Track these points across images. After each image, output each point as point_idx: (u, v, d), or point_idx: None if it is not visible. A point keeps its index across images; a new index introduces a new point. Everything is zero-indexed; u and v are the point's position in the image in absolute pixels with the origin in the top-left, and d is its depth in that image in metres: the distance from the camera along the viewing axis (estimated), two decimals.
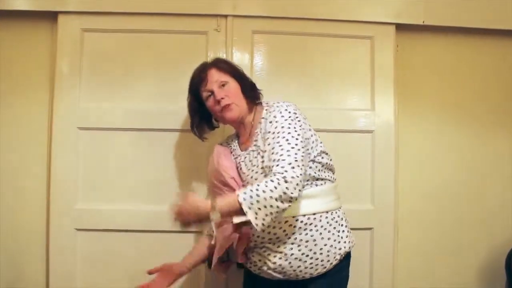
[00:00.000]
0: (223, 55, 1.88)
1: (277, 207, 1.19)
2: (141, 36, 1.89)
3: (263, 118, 1.43)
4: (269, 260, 1.36)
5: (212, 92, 1.44)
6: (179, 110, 1.86)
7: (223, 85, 1.44)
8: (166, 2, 1.86)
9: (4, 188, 1.85)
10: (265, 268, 1.38)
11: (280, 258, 1.35)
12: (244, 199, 1.19)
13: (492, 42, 2.04)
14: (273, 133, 1.33)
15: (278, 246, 1.35)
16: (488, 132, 2.04)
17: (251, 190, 1.20)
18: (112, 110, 1.86)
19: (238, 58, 1.88)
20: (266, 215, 1.20)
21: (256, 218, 1.19)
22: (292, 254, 1.34)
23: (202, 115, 1.56)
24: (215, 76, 1.45)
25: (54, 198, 1.82)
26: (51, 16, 1.85)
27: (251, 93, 1.51)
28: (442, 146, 2.02)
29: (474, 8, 1.96)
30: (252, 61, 1.90)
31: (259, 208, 1.18)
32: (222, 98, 1.42)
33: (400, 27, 1.97)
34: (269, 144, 1.32)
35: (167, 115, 1.87)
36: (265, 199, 1.18)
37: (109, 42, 1.88)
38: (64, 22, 1.84)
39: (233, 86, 1.46)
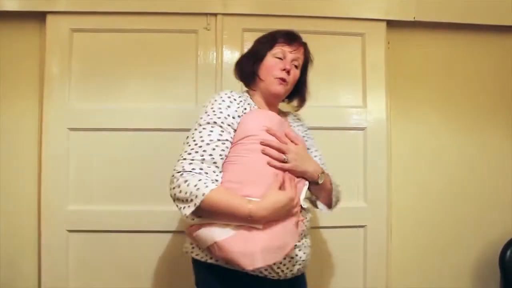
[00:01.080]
0: (213, 54, 1.87)
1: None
2: (130, 36, 1.88)
3: (292, 119, 1.48)
4: (298, 255, 1.23)
5: (283, 59, 1.33)
6: (169, 109, 1.86)
7: (295, 65, 1.36)
8: (155, 2, 1.85)
9: None
10: (296, 266, 1.23)
11: (305, 253, 1.26)
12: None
13: (485, 38, 2.03)
14: (316, 149, 1.47)
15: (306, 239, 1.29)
16: (481, 128, 2.03)
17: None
18: (102, 110, 1.85)
19: (228, 57, 1.87)
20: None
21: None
22: (309, 245, 1.29)
23: (254, 60, 1.38)
24: (298, 54, 1.37)
25: (45, 200, 1.81)
26: (40, 17, 1.84)
27: (298, 91, 1.46)
28: (435, 143, 2.02)
29: (466, 3, 1.96)
30: None
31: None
32: (288, 72, 1.33)
33: (391, 24, 1.96)
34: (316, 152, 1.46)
35: (158, 115, 1.86)
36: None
37: (98, 42, 1.87)
38: (53, 22, 1.83)
39: (297, 73, 1.38)
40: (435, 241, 1.99)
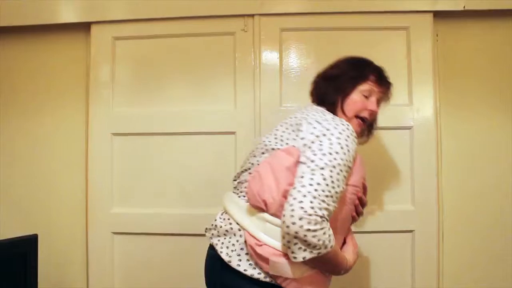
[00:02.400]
0: (251, 55, 1.85)
1: None
2: (170, 41, 1.91)
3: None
4: None
5: (368, 97, 1.31)
6: (209, 112, 1.87)
7: (378, 104, 1.35)
8: (192, 6, 1.86)
9: (46, 193, 1.95)
10: None
11: None
12: None
13: None
14: None
15: None
16: None
17: None
18: (144, 115, 1.89)
19: (267, 57, 1.85)
20: None
21: None
22: None
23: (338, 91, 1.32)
24: (383, 95, 1.36)
25: (91, 203, 1.89)
26: (85, 27, 1.92)
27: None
28: (490, 140, 1.86)
29: None
30: (281, 59, 1.85)
31: None
32: (372, 114, 1.32)
33: (439, 15, 1.84)
34: None
35: (198, 118, 1.87)
36: None
37: (139, 49, 1.92)
38: (97, 32, 1.91)
39: (377, 112, 1.36)
40: (491, 247, 1.84)
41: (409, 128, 1.81)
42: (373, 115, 1.32)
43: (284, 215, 1.05)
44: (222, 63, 1.88)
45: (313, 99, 1.38)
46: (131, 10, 1.88)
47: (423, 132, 1.81)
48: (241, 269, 1.17)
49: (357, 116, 1.28)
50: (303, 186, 1.05)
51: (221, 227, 1.25)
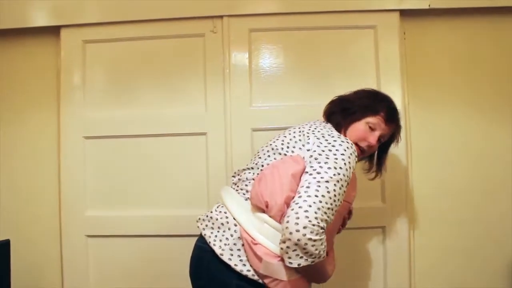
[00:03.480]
0: (221, 56, 1.86)
1: None
2: (140, 44, 1.91)
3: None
4: None
5: (373, 131, 1.33)
6: (182, 113, 1.88)
7: (379, 140, 1.36)
8: (162, 8, 1.87)
9: (19, 197, 1.95)
10: None
11: None
12: None
13: (507, 21, 1.89)
14: None
15: None
16: (509, 118, 1.88)
17: None
18: (116, 118, 1.90)
19: (236, 58, 1.86)
20: None
21: None
22: None
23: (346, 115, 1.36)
24: (388, 132, 1.37)
25: (64, 206, 1.89)
26: (55, 31, 1.92)
27: (377, 163, 1.47)
28: (459, 136, 1.89)
29: None
30: (250, 60, 1.87)
31: None
32: (370, 147, 1.34)
33: (405, 14, 1.87)
34: None
35: (169, 120, 1.88)
36: None
37: (110, 52, 1.92)
38: (66, 35, 1.91)
39: (376, 147, 1.38)
40: (461, 241, 1.87)
41: None
42: (371, 148, 1.35)
43: (288, 221, 1.08)
44: (192, 65, 1.89)
45: (323, 114, 1.42)
46: (100, 13, 1.88)
47: None
48: (231, 263, 1.21)
49: (356, 144, 1.31)
50: (309, 196, 1.10)
51: (216, 219, 1.28)
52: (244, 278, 1.20)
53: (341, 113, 1.35)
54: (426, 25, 1.91)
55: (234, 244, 1.22)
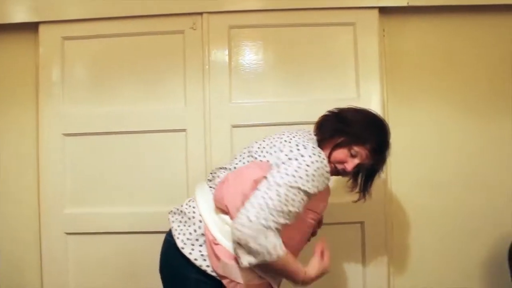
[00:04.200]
0: (200, 53, 1.86)
1: None
2: (119, 40, 1.90)
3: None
4: None
5: (354, 157, 1.30)
6: (160, 110, 1.87)
7: (357, 167, 1.32)
8: (141, 5, 1.86)
9: None
10: None
11: None
12: None
13: (486, 19, 1.91)
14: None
15: None
16: (487, 115, 1.91)
17: None
18: (96, 115, 1.89)
19: (216, 55, 1.86)
20: None
21: None
22: None
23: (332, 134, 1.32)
24: (370, 162, 1.32)
25: (43, 204, 1.87)
26: (33, 27, 1.90)
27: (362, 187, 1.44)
28: (438, 132, 1.91)
29: None
30: (230, 57, 1.87)
31: None
32: (345, 171, 1.31)
33: (384, 11, 1.88)
34: None
35: (149, 117, 1.87)
36: None
37: (89, 49, 1.91)
38: (45, 32, 1.89)
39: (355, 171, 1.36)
40: (440, 236, 1.89)
41: None
42: (345, 174, 1.34)
43: (233, 222, 1.11)
44: (172, 62, 1.88)
45: (315, 124, 1.39)
46: (79, 10, 1.87)
47: None
48: (191, 257, 1.22)
49: (334, 164, 1.30)
50: (255, 197, 1.12)
51: (185, 213, 1.30)
52: (203, 273, 1.21)
53: (331, 132, 1.32)
54: (405, 22, 1.93)
55: (197, 239, 1.24)
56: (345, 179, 1.47)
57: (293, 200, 1.13)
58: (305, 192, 1.14)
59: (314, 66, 1.87)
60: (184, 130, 1.85)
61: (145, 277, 1.85)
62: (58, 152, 1.88)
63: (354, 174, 1.41)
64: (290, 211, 1.12)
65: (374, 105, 1.84)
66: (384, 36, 1.92)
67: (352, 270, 1.86)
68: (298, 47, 1.88)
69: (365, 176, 1.41)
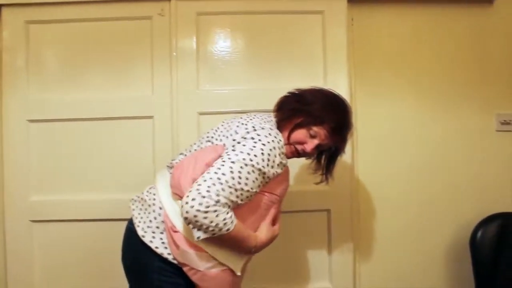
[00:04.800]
0: (168, 40, 1.84)
1: None
2: (86, 25, 1.87)
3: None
4: None
5: (314, 137, 1.29)
6: (128, 97, 1.86)
7: (318, 147, 1.31)
8: None
9: None
10: None
11: None
12: None
13: (453, 9, 1.93)
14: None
15: None
16: (453, 105, 1.94)
17: None
18: (62, 101, 1.85)
19: (184, 42, 1.85)
20: None
21: None
22: None
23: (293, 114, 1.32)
24: (331, 143, 1.32)
25: (7, 191, 1.84)
26: None
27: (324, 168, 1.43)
28: (405, 122, 1.94)
29: None
30: (198, 43, 1.85)
31: None
32: (305, 151, 1.30)
33: (353, 0, 1.89)
34: None
35: (115, 104, 1.85)
36: None
37: (54, 33, 1.87)
38: (8, 15, 1.84)
39: (316, 153, 1.37)
40: (405, 223, 1.92)
41: None
42: (305, 154, 1.33)
43: (184, 197, 1.09)
44: (139, 48, 1.86)
45: (274, 106, 1.38)
46: None
47: None
48: (152, 245, 1.22)
49: (293, 145, 1.30)
50: (208, 173, 1.11)
51: (145, 201, 1.29)
52: (165, 260, 1.21)
53: (290, 112, 1.31)
54: (373, 11, 1.94)
55: (157, 227, 1.23)
56: (311, 166, 1.47)
57: (247, 178, 1.12)
58: (259, 171, 1.14)
59: (283, 54, 1.87)
60: (151, 117, 1.84)
61: (111, 265, 1.83)
62: (22, 139, 1.84)
63: (317, 156, 1.42)
64: (242, 189, 1.12)
65: (341, 94, 1.84)
66: (352, 25, 1.92)
67: (318, 258, 1.88)
68: (267, 34, 1.88)
69: (328, 157, 1.41)
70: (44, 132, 1.86)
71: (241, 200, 1.13)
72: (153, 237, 1.22)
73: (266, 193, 1.24)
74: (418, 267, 1.92)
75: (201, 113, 1.83)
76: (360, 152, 1.92)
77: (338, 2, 1.87)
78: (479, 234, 1.77)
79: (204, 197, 1.06)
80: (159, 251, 1.21)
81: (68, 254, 1.86)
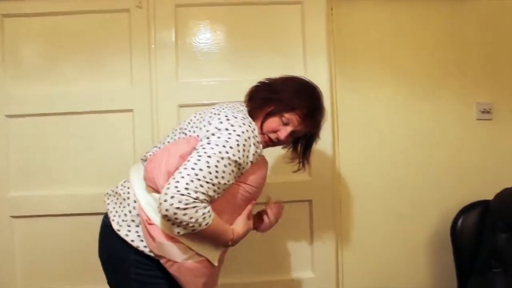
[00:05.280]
0: (146, 32, 1.83)
1: None
2: (63, 19, 1.85)
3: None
4: None
5: (286, 125, 1.28)
6: (105, 91, 1.84)
7: (292, 133, 1.30)
8: None
9: None
10: None
11: None
12: None
13: (431, 0, 1.93)
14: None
15: None
16: (433, 94, 1.95)
17: None
18: (40, 95, 1.84)
19: (162, 34, 1.84)
20: None
21: None
22: None
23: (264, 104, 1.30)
24: (304, 129, 1.31)
25: None
26: None
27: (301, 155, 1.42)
28: (385, 111, 1.95)
29: None
30: (176, 35, 1.85)
31: None
32: (279, 140, 1.29)
33: None
34: None
35: (94, 97, 1.84)
36: None
37: (31, 27, 1.85)
38: None
39: (291, 139, 1.35)
40: (387, 213, 1.94)
41: None
42: (280, 142, 1.32)
43: (162, 194, 1.08)
44: (118, 41, 1.85)
45: (245, 96, 1.37)
46: None
47: None
48: (128, 239, 1.21)
49: (267, 136, 1.29)
50: (185, 168, 1.10)
51: (120, 194, 1.29)
52: (141, 253, 1.20)
53: (260, 101, 1.30)
54: (353, 1, 1.94)
55: (133, 220, 1.22)
56: (287, 155, 1.47)
57: (223, 171, 1.12)
58: (235, 162, 1.14)
59: (262, 45, 1.87)
60: (131, 110, 1.83)
61: (93, 259, 1.81)
62: (1, 134, 1.83)
63: (294, 144, 1.41)
64: (220, 183, 1.11)
65: (321, 84, 1.78)
66: (332, 15, 1.92)
67: (301, 248, 1.88)
68: (246, 26, 1.87)
69: (303, 144, 1.40)
70: (22, 127, 1.84)
71: (218, 193, 1.14)
72: (129, 231, 1.21)
73: (242, 184, 1.23)
74: (400, 255, 1.94)
75: (181, 106, 1.82)
76: (341, 142, 1.93)
77: None
78: (459, 221, 1.78)
79: (183, 194, 1.06)
80: (135, 244, 1.20)
81: (49, 249, 1.85)
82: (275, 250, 1.88)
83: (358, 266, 1.92)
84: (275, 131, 1.28)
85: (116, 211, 1.26)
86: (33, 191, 1.84)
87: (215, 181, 1.11)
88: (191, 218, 1.07)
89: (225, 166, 1.12)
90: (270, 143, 1.31)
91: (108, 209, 1.30)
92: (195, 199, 1.07)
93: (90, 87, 1.85)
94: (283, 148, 1.43)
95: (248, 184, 1.25)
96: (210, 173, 1.10)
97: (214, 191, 1.11)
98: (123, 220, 1.23)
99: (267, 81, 1.36)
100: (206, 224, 1.10)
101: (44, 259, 1.85)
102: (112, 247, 1.26)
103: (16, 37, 1.85)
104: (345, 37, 1.94)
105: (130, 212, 1.23)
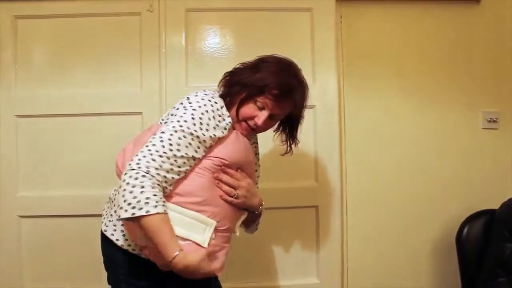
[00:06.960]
0: (157, 36, 1.85)
1: None
2: (74, 21, 1.87)
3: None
4: None
5: (262, 109, 1.23)
6: (117, 93, 1.86)
7: (271, 117, 1.25)
8: None
9: None
10: None
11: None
12: None
13: (442, 8, 1.96)
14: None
15: None
16: (439, 104, 1.96)
17: None
18: (49, 97, 1.85)
19: (173, 38, 1.85)
20: None
21: None
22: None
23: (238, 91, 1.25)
24: (281, 111, 1.25)
25: None
26: None
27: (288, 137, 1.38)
28: (392, 119, 1.96)
29: None
30: (187, 40, 1.86)
31: None
32: (257, 125, 1.24)
33: None
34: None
35: (104, 99, 1.85)
36: None
37: (43, 29, 1.87)
38: None
39: (273, 123, 1.30)
40: (393, 220, 1.94)
41: (312, 107, 1.84)
42: (261, 128, 1.26)
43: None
44: (128, 44, 1.87)
45: (218, 82, 1.32)
46: None
47: (326, 111, 1.87)
48: (113, 238, 1.22)
49: (245, 124, 1.25)
50: (142, 151, 1.07)
51: (110, 197, 1.31)
52: (126, 252, 1.20)
53: (228, 88, 1.26)
54: (362, 9, 1.95)
55: (118, 220, 1.21)
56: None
57: (178, 144, 1.08)
58: (192, 135, 1.09)
59: (271, 51, 1.81)
60: (140, 113, 1.84)
61: (100, 260, 1.83)
62: (11, 134, 1.84)
63: (282, 128, 1.37)
64: (175, 155, 1.07)
65: (330, 92, 1.87)
66: (341, 23, 1.94)
67: (306, 254, 1.89)
68: (255, 31, 1.89)
69: (288, 125, 1.35)
70: (32, 127, 1.86)
71: (178, 167, 1.08)
72: (114, 230, 1.21)
73: (212, 158, 1.16)
74: (406, 263, 1.94)
75: None
76: (348, 148, 1.93)
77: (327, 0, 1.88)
78: (465, 230, 1.79)
79: (133, 169, 1.03)
80: (119, 243, 1.20)
81: (56, 249, 1.86)
82: (281, 255, 1.88)
83: (363, 273, 1.93)
84: (252, 117, 1.23)
85: (106, 213, 1.29)
86: (41, 192, 1.85)
87: (170, 153, 1.06)
88: (134, 197, 1.00)
89: (179, 138, 1.08)
90: (250, 130, 1.25)
91: (102, 214, 1.32)
92: (145, 173, 1.03)
93: (100, 89, 1.86)
94: (274, 132, 1.38)
95: (218, 158, 1.17)
96: (163, 146, 1.07)
97: (171, 164, 1.06)
98: (109, 221, 1.24)
99: (240, 66, 1.31)
100: (147, 212, 1.00)
101: (51, 259, 1.86)
102: (105, 249, 1.28)
103: (28, 39, 1.87)
104: (353, 45, 1.95)
105: (115, 212, 1.23)
